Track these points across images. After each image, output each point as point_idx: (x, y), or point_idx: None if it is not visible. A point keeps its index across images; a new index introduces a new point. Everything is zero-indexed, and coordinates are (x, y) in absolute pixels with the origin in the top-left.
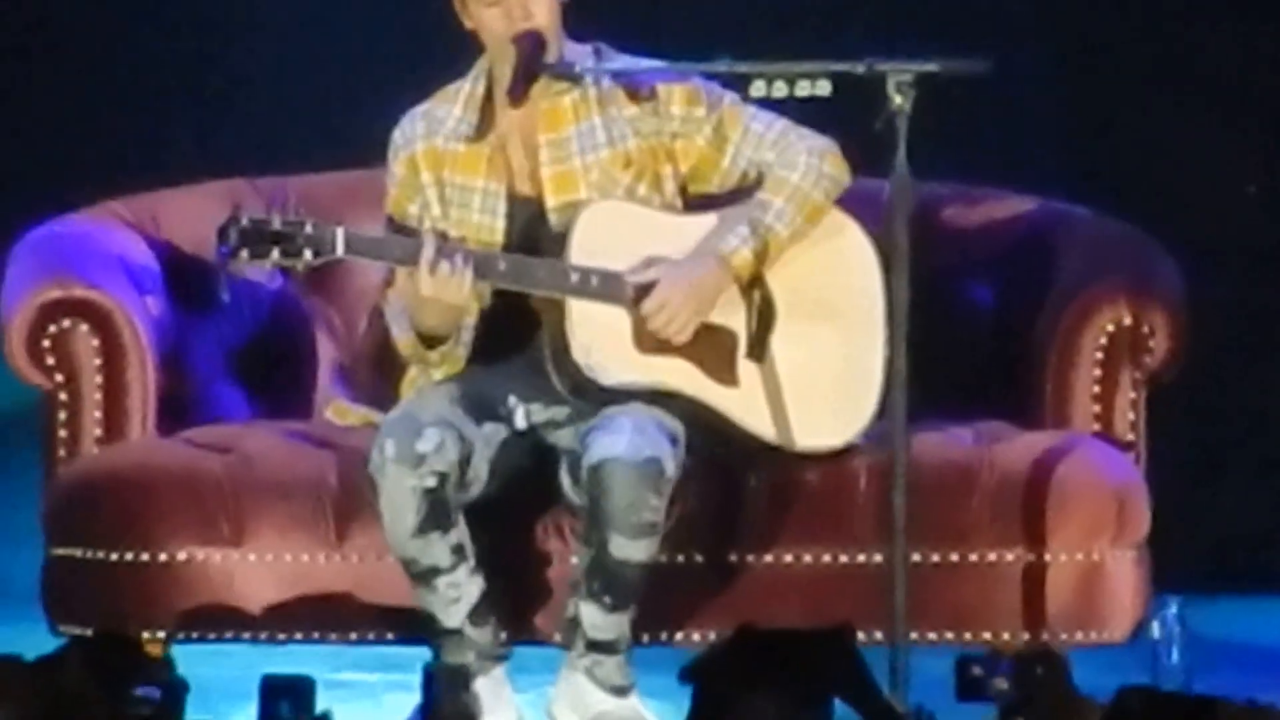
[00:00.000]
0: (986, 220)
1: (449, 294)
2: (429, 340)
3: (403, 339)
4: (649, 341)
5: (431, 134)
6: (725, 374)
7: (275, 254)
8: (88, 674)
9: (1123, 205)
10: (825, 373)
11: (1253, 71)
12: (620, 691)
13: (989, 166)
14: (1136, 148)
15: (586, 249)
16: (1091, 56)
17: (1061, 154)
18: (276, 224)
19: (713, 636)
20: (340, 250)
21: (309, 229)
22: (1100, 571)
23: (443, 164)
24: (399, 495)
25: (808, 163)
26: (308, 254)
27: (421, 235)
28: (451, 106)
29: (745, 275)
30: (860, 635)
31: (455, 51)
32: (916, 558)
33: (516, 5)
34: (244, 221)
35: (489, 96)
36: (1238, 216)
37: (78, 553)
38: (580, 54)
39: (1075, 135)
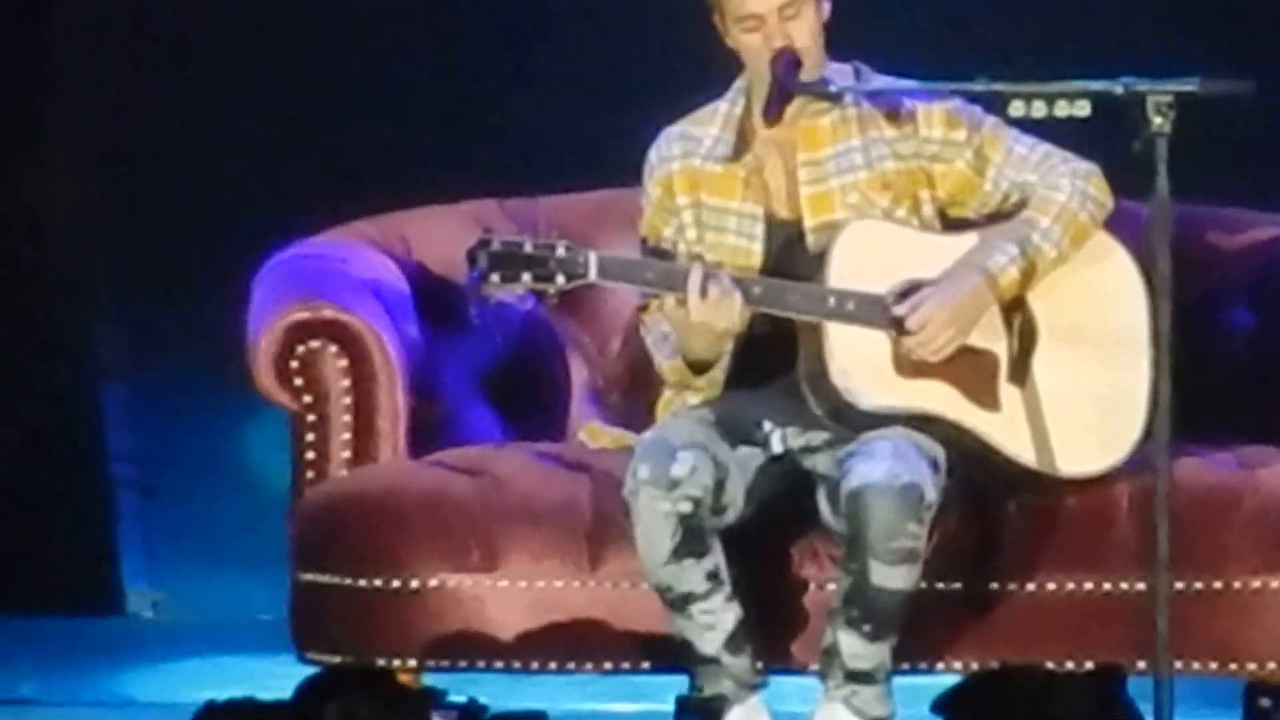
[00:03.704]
0: (1248, 242)
1: (720, 319)
2: (697, 366)
3: (667, 365)
4: (909, 365)
5: (688, 154)
6: (986, 398)
7: (526, 278)
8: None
9: None
10: (1087, 397)
11: None
12: None
13: (1251, 188)
14: None
15: (845, 271)
16: None
17: None
18: (528, 247)
19: (974, 666)
20: (593, 275)
21: (561, 252)
22: None
23: (699, 185)
24: (653, 520)
25: (1073, 184)
26: (560, 278)
27: (686, 261)
28: (709, 127)
29: (1010, 295)
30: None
31: (711, 71)
32: (1179, 586)
33: (777, 30)
34: (495, 245)
35: (747, 117)
36: None
37: (325, 579)
38: (839, 74)
39: None
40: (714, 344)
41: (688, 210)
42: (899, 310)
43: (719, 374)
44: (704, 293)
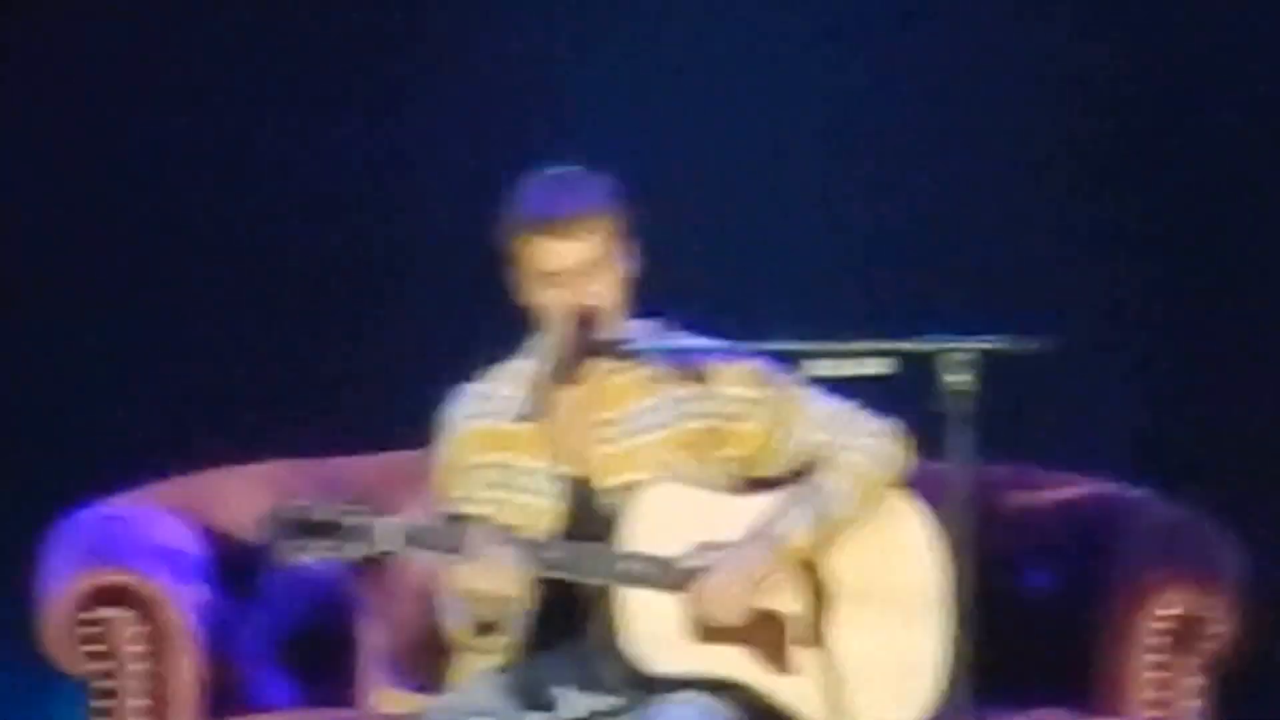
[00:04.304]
0: (1048, 502)
1: (499, 583)
2: (481, 629)
3: (455, 627)
4: (701, 629)
5: (483, 413)
6: (779, 661)
7: (323, 545)
8: None
9: (1187, 486)
10: (880, 659)
11: None
12: None
13: (1051, 446)
14: (1200, 425)
15: (639, 533)
16: (1157, 333)
17: (1125, 433)
18: (325, 513)
19: None
20: (390, 542)
21: (358, 520)
22: None
23: (494, 444)
24: None
25: (869, 444)
26: (356, 545)
27: (470, 524)
28: (505, 384)
29: (803, 557)
30: None
31: (509, 328)
32: None
33: (580, 286)
34: (291, 511)
35: (544, 374)
36: None
37: None
38: (640, 331)
39: (1138, 414)
40: (496, 608)
41: (482, 470)
42: (690, 579)
43: (510, 638)
44: (482, 557)
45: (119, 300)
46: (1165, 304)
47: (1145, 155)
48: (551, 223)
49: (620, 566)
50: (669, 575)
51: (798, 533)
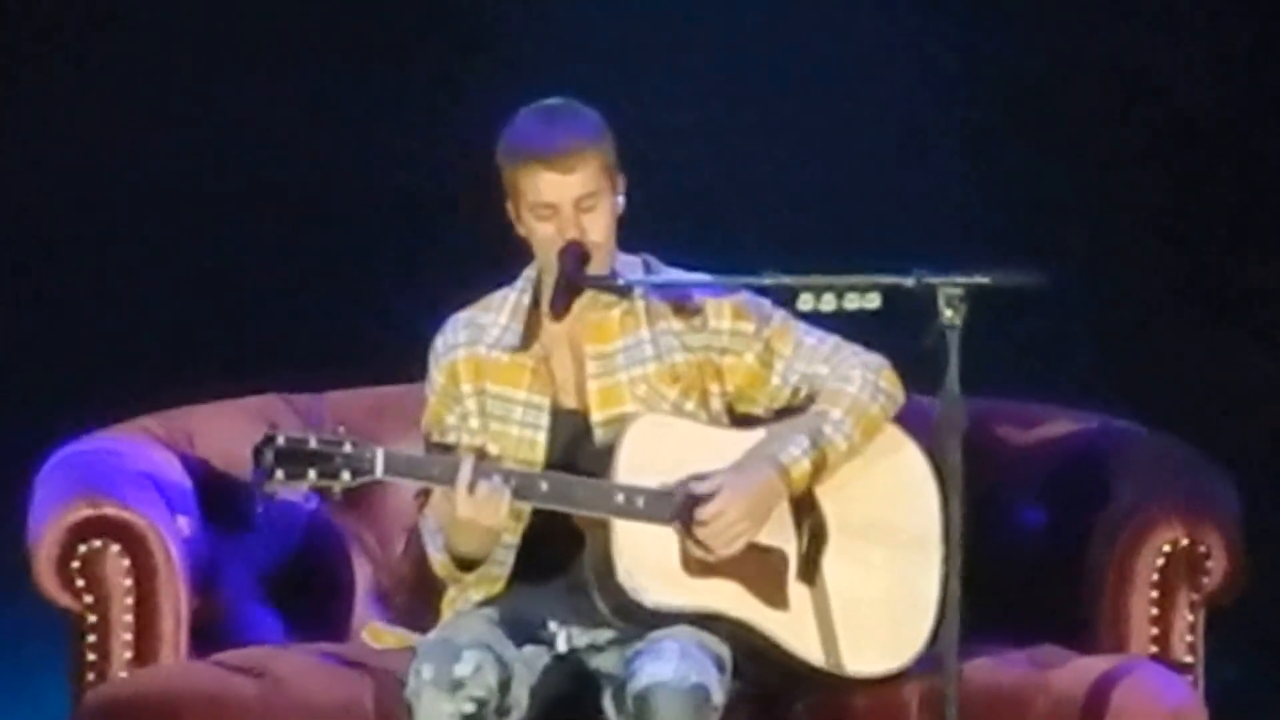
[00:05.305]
0: (1040, 438)
1: (486, 516)
2: (464, 563)
3: (438, 559)
4: (696, 563)
5: (474, 342)
6: (774, 596)
7: (312, 475)
8: None
9: (1178, 423)
10: (877, 596)
11: None
12: None
13: (1043, 382)
14: (1185, 362)
15: (633, 465)
16: (1146, 273)
17: (1116, 369)
18: (313, 444)
19: None
20: (380, 471)
21: (347, 449)
22: None
23: (485, 374)
24: None
25: (863, 377)
26: (345, 475)
27: (459, 454)
28: (496, 315)
29: (802, 487)
30: None
31: (495, 261)
32: None
33: (571, 221)
34: (280, 441)
35: (535, 306)
36: None
37: None
38: (629, 266)
39: (1129, 351)
40: (481, 541)
41: (472, 399)
42: (698, 489)
43: (497, 569)
44: (472, 489)
45: (110, 234)
46: (1156, 243)
47: (1131, 89)
48: (549, 155)
49: (616, 499)
50: (665, 508)
51: (801, 461)
